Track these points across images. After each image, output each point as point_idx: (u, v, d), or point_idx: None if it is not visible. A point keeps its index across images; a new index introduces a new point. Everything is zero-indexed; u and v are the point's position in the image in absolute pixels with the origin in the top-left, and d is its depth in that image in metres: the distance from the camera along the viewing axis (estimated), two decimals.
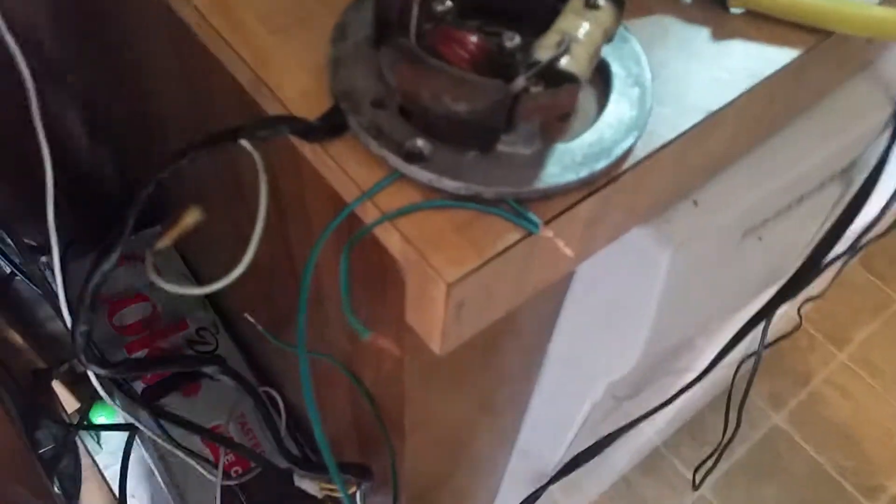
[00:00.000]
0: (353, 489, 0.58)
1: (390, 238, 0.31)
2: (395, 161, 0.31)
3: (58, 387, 1.12)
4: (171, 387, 0.95)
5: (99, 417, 1.13)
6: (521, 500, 0.74)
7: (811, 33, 0.39)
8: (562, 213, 0.32)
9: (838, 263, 0.74)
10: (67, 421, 1.07)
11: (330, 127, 0.32)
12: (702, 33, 0.39)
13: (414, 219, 0.31)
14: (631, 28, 0.38)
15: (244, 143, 0.32)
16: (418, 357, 0.40)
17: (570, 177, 0.32)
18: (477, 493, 0.78)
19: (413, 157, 0.31)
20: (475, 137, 0.31)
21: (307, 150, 0.34)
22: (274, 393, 0.90)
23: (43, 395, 1.08)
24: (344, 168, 0.32)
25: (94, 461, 1.11)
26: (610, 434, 0.64)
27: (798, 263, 0.51)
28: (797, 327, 1.22)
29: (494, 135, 0.31)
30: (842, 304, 1.61)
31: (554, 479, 0.68)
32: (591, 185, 0.33)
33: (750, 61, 0.38)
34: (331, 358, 0.51)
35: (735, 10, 0.40)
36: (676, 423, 1.43)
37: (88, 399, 1.12)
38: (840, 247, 0.64)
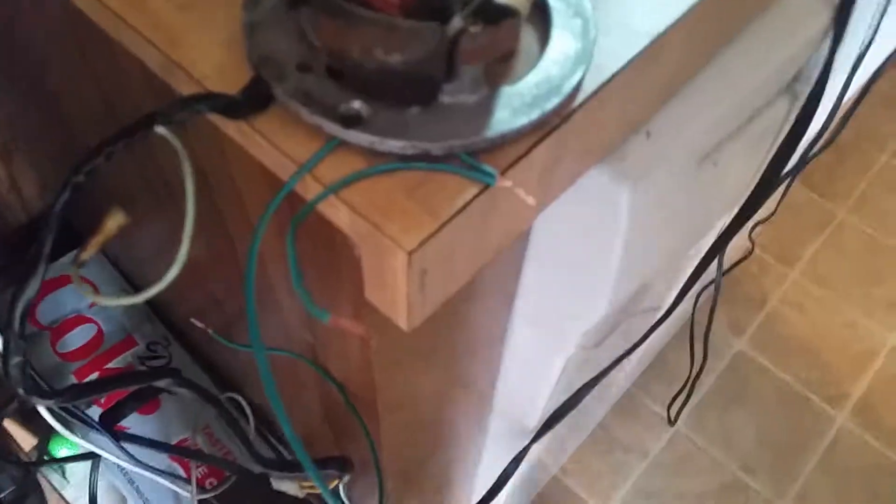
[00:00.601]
0: (334, 483, 0.56)
1: (337, 212, 0.29)
2: (331, 127, 0.28)
3: (10, 425, 1.06)
4: (129, 407, 0.91)
5: (61, 450, 1.09)
6: (506, 464, 0.73)
7: None
8: (518, 160, 0.30)
9: (786, 182, 0.74)
10: (25, 459, 1.02)
11: (254, 99, 0.29)
12: None
13: (360, 187, 0.28)
14: None
15: (161, 129, 0.29)
16: (383, 336, 0.38)
17: (522, 120, 0.29)
18: (460, 465, 0.76)
19: (350, 120, 0.29)
20: (415, 90, 0.29)
21: (232, 129, 0.31)
22: (238, 397, 0.87)
23: None
24: (275, 143, 0.29)
25: (60, 496, 1.06)
26: (585, 384, 0.63)
27: (752, 185, 0.50)
28: (749, 252, 1.23)
29: (435, 85, 0.29)
30: (787, 224, 1.64)
31: (536, 438, 0.67)
32: (544, 127, 0.30)
33: None
34: (291, 353, 0.48)
35: None
36: (643, 363, 1.44)
37: (45, 433, 1.07)
38: (788, 164, 0.64)
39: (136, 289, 0.98)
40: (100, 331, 0.98)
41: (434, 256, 0.29)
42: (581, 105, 0.31)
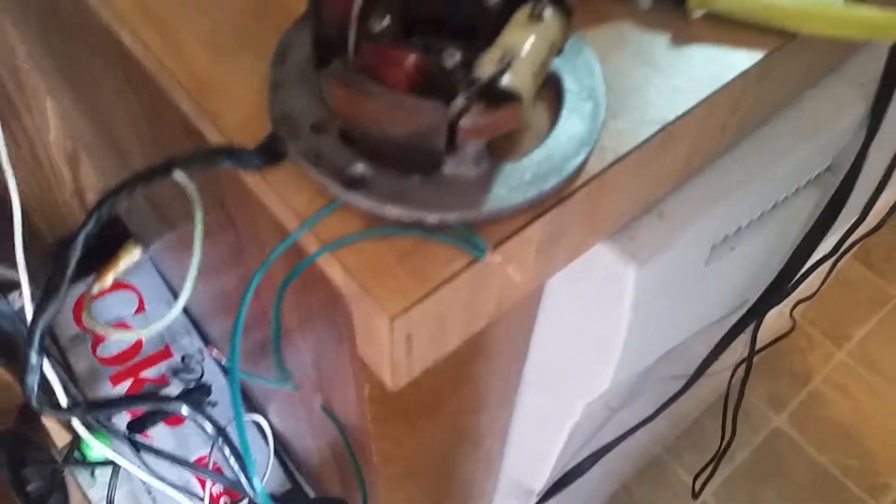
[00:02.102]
0: None
1: (333, 269, 0.30)
2: (336, 188, 0.30)
3: (48, 420, 1.10)
4: (157, 418, 0.93)
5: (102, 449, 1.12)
6: None
7: (775, 35, 0.38)
8: (510, 236, 0.30)
9: (826, 265, 0.72)
10: (55, 458, 1.05)
11: (268, 154, 0.31)
12: (661, 40, 0.38)
13: (356, 248, 0.29)
14: (586, 37, 0.37)
15: (179, 175, 0.30)
16: (380, 388, 0.39)
17: (518, 198, 0.30)
18: None
19: (354, 182, 0.30)
20: (417, 160, 0.30)
21: (249, 179, 0.32)
22: (260, 419, 0.89)
23: (31, 431, 1.06)
24: (284, 197, 0.30)
25: (84, 495, 1.09)
26: (596, 452, 0.62)
27: (775, 274, 0.50)
28: (791, 329, 1.20)
29: (436, 157, 0.30)
30: (839, 301, 1.60)
31: (543, 499, 0.67)
32: (540, 206, 0.31)
33: (710, 67, 0.36)
34: (295, 388, 0.49)
35: (696, 14, 0.39)
36: (676, 429, 1.41)
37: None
38: (824, 248, 0.63)
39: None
40: (139, 339, 1.01)
41: (420, 322, 0.30)
42: (581, 187, 0.32)
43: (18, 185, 0.49)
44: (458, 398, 0.49)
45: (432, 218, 0.30)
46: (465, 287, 0.30)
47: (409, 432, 0.47)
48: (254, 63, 0.35)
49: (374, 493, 0.49)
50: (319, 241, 0.29)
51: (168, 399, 0.42)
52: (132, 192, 0.31)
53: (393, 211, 0.30)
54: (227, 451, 0.45)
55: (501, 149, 0.32)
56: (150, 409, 0.78)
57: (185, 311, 1.00)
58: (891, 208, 0.74)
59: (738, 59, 0.37)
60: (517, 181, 0.31)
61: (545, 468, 0.61)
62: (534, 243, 0.32)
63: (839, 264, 0.91)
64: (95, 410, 0.42)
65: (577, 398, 0.49)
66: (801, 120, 0.45)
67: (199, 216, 0.29)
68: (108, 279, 0.28)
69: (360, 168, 0.30)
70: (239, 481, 0.46)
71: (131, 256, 0.28)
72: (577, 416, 0.52)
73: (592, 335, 0.44)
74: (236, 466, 0.46)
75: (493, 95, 0.28)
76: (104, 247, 1.00)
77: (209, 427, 0.44)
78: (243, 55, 0.36)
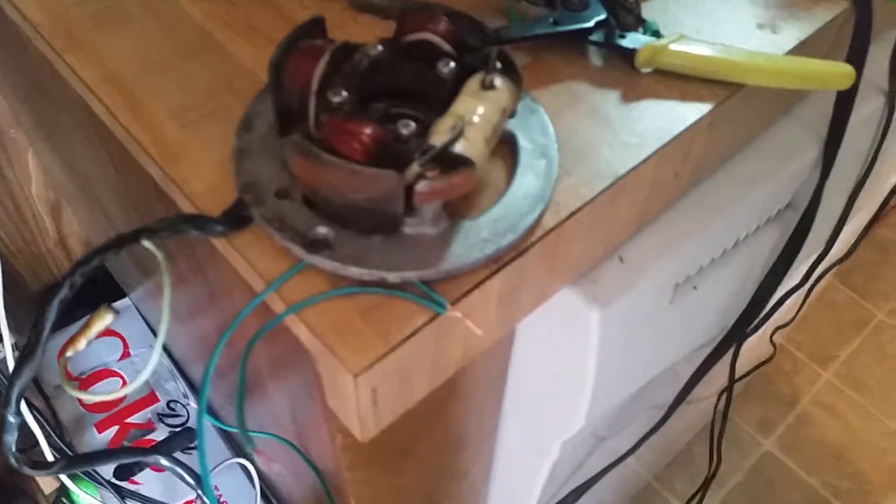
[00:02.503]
0: None
1: (298, 329, 0.31)
2: (299, 251, 0.31)
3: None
4: (143, 464, 0.93)
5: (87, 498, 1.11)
6: None
7: (723, 87, 0.40)
8: (470, 290, 0.32)
9: (801, 292, 0.74)
10: None
11: (234, 220, 0.32)
12: (612, 96, 0.39)
13: (320, 308, 0.31)
14: (540, 97, 0.39)
15: (147, 243, 0.32)
16: (353, 438, 0.40)
17: (476, 255, 0.32)
18: None
19: (317, 245, 0.31)
20: (377, 223, 0.31)
21: (218, 244, 0.34)
22: (245, 463, 0.89)
23: (19, 480, 1.06)
24: (249, 261, 0.32)
25: None
26: (578, 487, 0.63)
27: (742, 308, 0.51)
28: (773, 355, 1.22)
29: (395, 220, 0.31)
30: (823, 323, 1.62)
31: None
32: (498, 262, 0.32)
33: (659, 121, 0.38)
34: (275, 437, 0.50)
35: (645, 70, 0.40)
36: (667, 457, 1.42)
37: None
38: (794, 278, 0.64)
39: (164, 345, 1.02)
40: (124, 385, 1.01)
41: (384, 376, 0.31)
42: (537, 241, 0.33)
43: (1, 238, 0.50)
44: (435, 439, 0.50)
45: (393, 277, 0.31)
46: (427, 341, 0.31)
47: (387, 474, 0.48)
48: (221, 132, 0.37)
49: None
50: (284, 302, 0.31)
51: (146, 451, 0.43)
52: (103, 260, 0.32)
53: (355, 271, 0.31)
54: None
55: (459, 207, 0.34)
56: (124, 461, 0.78)
57: (170, 355, 1.01)
58: (858, 236, 0.76)
59: (687, 112, 0.39)
60: (475, 239, 0.32)
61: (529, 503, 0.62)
62: (494, 296, 0.33)
63: (816, 289, 0.93)
64: (74, 467, 0.42)
65: (554, 437, 0.50)
66: (755, 162, 0.47)
67: (166, 281, 0.30)
68: (81, 343, 0.29)
69: (322, 231, 0.31)
70: None
71: (103, 321, 0.29)
72: (555, 454, 0.52)
73: (563, 376, 0.45)
74: None
75: (447, 161, 0.30)
76: (89, 292, 1.01)
77: (187, 477, 0.45)
78: (211, 124, 0.37)
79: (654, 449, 1.19)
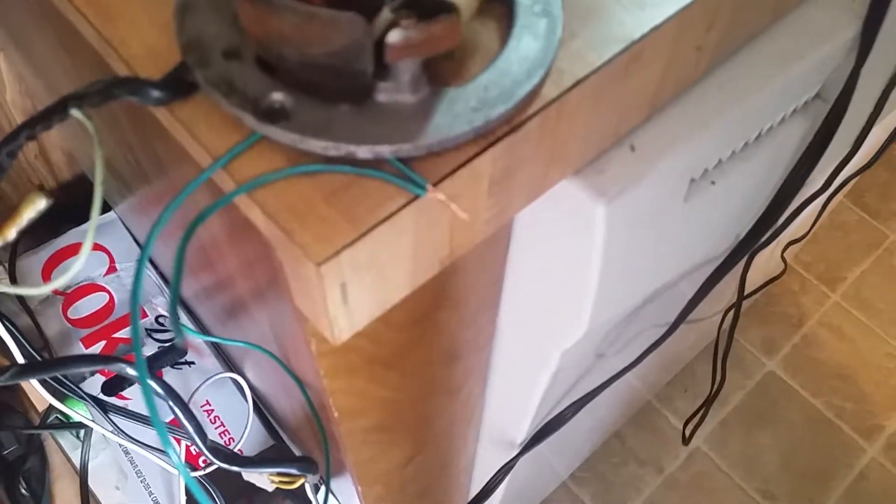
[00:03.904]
0: (299, 482, 0.54)
1: (253, 212, 0.26)
2: (251, 120, 0.26)
3: (27, 385, 1.08)
4: (130, 379, 0.91)
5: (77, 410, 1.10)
6: (496, 469, 0.70)
7: None
8: (456, 169, 0.27)
9: (819, 201, 0.69)
10: (30, 423, 1.03)
11: (176, 86, 0.27)
12: None
13: (277, 188, 0.26)
14: None
15: (75, 112, 0.27)
16: (328, 344, 0.36)
17: (462, 127, 0.27)
18: (448, 472, 0.74)
19: (272, 114, 0.26)
20: (344, 87, 0.26)
21: (160, 114, 0.29)
22: (238, 378, 0.86)
23: (8, 397, 1.04)
24: (193, 133, 0.27)
25: (67, 458, 1.08)
26: (576, 402, 0.60)
27: (761, 211, 0.46)
28: (783, 272, 1.18)
29: (365, 81, 0.26)
30: (833, 243, 1.57)
31: (522, 452, 0.64)
32: (488, 136, 0.28)
33: None
34: (252, 345, 0.46)
35: None
36: (668, 375, 1.40)
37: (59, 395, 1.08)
38: (815, 184, 0.59)
39: (153, 261, 0.98)
40: (111, 300, 0.99)
41: (355, 269, 0.26)
42: (535, 114, 0.28)
43: None
44: (424, 350, 0.46)
45: (364, 151, 0.26)
46: (405, 228, 0.27)
47: (372, 385, 0.44)
48: None
49: (341, 448, 0.47)
50: (235, 180, 0.26)
51: (107, 359, 0.39)
52: (31, 135, 0.28)
53: (318, 145, 0.26)
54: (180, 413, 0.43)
55: (443, 73, 0.28)
56: (85, 369, 0.75)
57: (158, 270, 0.97)
58: (884, 143, 0.71)
59: None
60: (461, 108, 0.27)
61: (526, 418, 0.59)
62: (485, 177, 0.29)
63: (831, 204, 0.88)
64: (29, 374, 0.39)
65: (554, 346, 0.46)
66: (785, 42, 0.42)
67: (98, 154, 0.26)
68: (11, 232, 0.25)
69: (278, 97, 0.26)
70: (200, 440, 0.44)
71: (34, 206, 0.25)
72: (553, 366, 0.49)
73: (565, 277, 0.40)
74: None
75: (426, 7, 0.25)
76: (74, 211, 0.97)
77: (159, 389, 0.42)
78: None
79: (655, 367, 1.16)
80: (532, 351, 0.51)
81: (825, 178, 0.59)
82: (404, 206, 0.26)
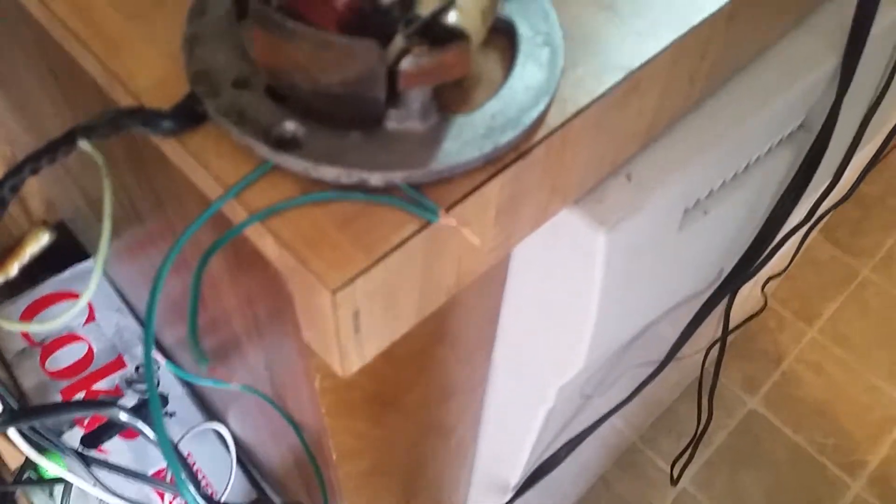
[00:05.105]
0: None
1: (265, 242, 0.26)
2: (263, 149, 0.26)
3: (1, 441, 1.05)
4: (112, 432, 0.88)
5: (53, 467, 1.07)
6: None
7: None
8: (466, 195, 0.27)
9: (798, 235, 0.70)
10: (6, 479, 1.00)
11: (186, 116, 0.27)
12: None
13: (289, 217, 0.26)
14: None
15: (83, 144, 0.27)
16: (332, 379, 0.35)
17: (472, 153, 0.27)
18: None
19: (284, 143, 0.26)
20: (355, 114, 0.26)
21: (167, 146, 0.29)
22: (220, 428, 0.85)
23: None
24: (204, 163, 0.27)
25: None
26: (571, 440, 0.59)
27: (751, 238, 0.47)
28: (763, 307, 1.19)
29: (377, 109, 0.26)
30: (807, 279, 1.60)
31: (519, 492, 0.64)
32: (497, 162, 0.28)
33: (675, 10, 0.33)
34: (247, 388, 0.45)
35: None
36: (650, 416, 1.39)
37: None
38: (797, 216, 0.61)
39: (130, 307, 0.97)
40: (90, 350, 0.96)
41: (367, 296, 0.26)
42: (541, 140, 0.29)
43: None
44: (422, 387, 0.46)
45: (376, 178, 0.26)
46: (417, 255, 0.27)
47: (370, 425, 0.43)
48: (172, 22, 0.31)
49: (337, 493, 0.46)
50: (247, 210, 0.26)
51: (98, 404, 0.38)
52: (36, 168, 0.27)
53: (330, 172, 0.26)
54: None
55: (451, 102, 0.29)
56: (78, 415, 0.73)
57: (138, 318, 0.96)
58: (860, 175, 0.73)
59: (706, 1, 0.34)
60: (470, 135, 0.28)
61: (520, 459, 0.58)
62: (493, 204, 0.29)
63: (808, 239, 0.89)
64: (19, 420, 0.38)
65: (551, 381, 0.46)
66: (770, 74, 0.43)
67: (107, 185, 0.25)
68: (13, 267, 0.25)
69: (290, 126, 0.26)
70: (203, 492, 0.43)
71: (38, 242, 0.25)
72: (551, 401, 0.48)
73: (564, 309, 0.40)
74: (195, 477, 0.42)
75: (438, 35, 0.25)
76: (53, 257, 0.95)
77: (149, 432, 0.41)
78: (159, 13, 0.32)
79: (639, 408, 1.16)
80: (527, 387, 0.51)
81: (807, 209, 0.61)
82: (416, 232, 0.26)
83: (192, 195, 0.33)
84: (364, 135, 0.27)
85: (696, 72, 0.36)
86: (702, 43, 0.34)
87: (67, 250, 0.96)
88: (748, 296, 1.10)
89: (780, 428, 1.41)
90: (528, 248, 0.40)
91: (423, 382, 0.46)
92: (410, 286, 0.28)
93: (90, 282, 0.26)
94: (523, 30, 0.31)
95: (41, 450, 0.81)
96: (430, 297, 0.30)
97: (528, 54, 0.30)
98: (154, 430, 0.22)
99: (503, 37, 0.31)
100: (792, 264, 1.19)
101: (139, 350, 0.95)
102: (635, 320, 0.46)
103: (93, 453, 0.85)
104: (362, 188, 0.26)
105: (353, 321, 0.27)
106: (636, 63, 0.31)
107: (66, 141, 0.27)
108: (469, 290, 0.42)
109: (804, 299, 1.57)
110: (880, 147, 0.69)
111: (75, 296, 0.98)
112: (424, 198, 0.27)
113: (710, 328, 0.98)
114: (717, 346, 1.02)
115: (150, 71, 0.30)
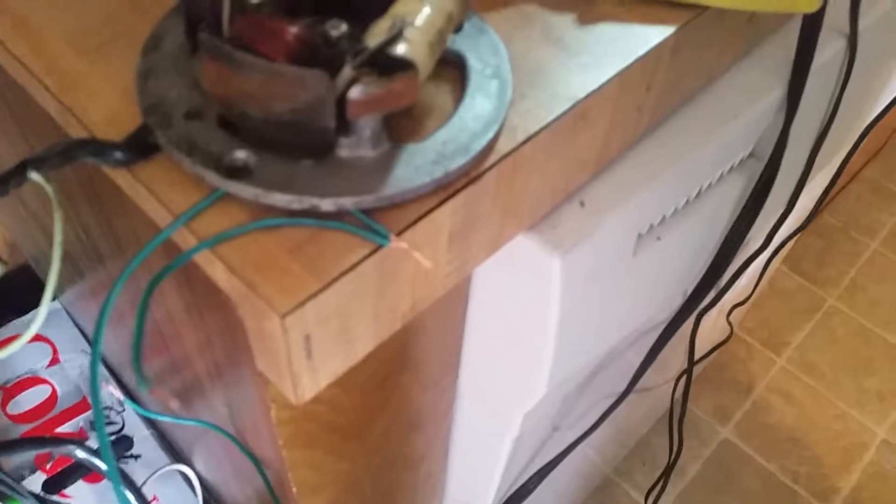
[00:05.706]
0: None
1: (214, 268, 0.26)
2: (214, 177, 0.27)
3: None
4: (75, 475, 0.87)
5: None
6: None
7: (686, 10, 0.37)
8: (417, 220, 0.28)
9: (760, 262, 0.72)
10: None
11: (137, 147, 0.27)
12: (566, 19, 0.36)
13: (239, 243, 0.26)
14: (491, 20, 0.35)
15: (34, 175, 0.27)
16: (288, 410, 0.35)
17: (423, 179, 0.28)
18: None
19: (235, 171, 0.27)
20: (307, 143, 0.27)
21: (119, 177, 0.29)
22: (186, 470, 0.83)
23: None
24: (155, 193, 0.27)
25: None
26: (540, 470, 0.59)
27: (707, 265, 0.48)
28: (730, 336, 1.20)
29: (327, 137, 0.27)
30: (775, 309, 1.62)
31: None
32: (449, 187, 0.28)
33: (620, 44, 0.35)
34: (204, 423, 0.45)
35: None
36: (624, 448, 1.39)
37: None
38: (755, 244, 0.62)
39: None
40: (53, 392, 0.95)
41: (319, 321, 0.26)
42: (492, 166, 0.29)
43: None
44: (386, 417, 0.46)
45: (327, 204, 0.27)
46: (370, 280, 0.27)
47: (332, 458, 0.43)
48: (126, 58, 0.32)
49: None
50: (197, 237, 0.26)
51: (57, 440, 0.37)
52: None
53: (281, 199, 0.26)
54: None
55: (404, 131, 0.29)
56: (37, 451, 0.72)
57: (104, 360, 0.94)
58: (816, 203, 0.75)
59: (650, 34, 0.35)
60: (421, 161, 0.28)
61: (489, 490, 0.58)
62: (445, 229, 0.29)
63: (770, 267, 0.91)
64: None
65: (515, 409, 0.46)
66: (717, 104, 0.44)
67: (58, 220, 0.25)
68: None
69: (241, 155, 0.27)
70: None
71: None
72: (516, 429, 0.48)
73: (523, 334, 0.41)
74: None
75: (386, 64, 0.26)
76: (17, 300, 0.94)
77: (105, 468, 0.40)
78: (114, 49, 0.32)
79: (611, 440, 1.16)
80: (493, 415, 0.51)
81: (764, 236, 0.62)
82: (367, 256, 0.26)
83: (148, 232, 0.33)
84: (316, 162, 0.27)
85: (644, 102, 0.37)
86: (647, 74, 0.36)
87: (32, 292, 0.95)
88: (714, 325, 1.11)
89: (752, 456, 1.42)
90: (487, 272, 0.41)
91: (386, 411, 0.46)
92: (364, 311, 0.28)
93: (38, 312, 0.26)
94: (473, 62, 0.32)
95: (1, 496, 0.79)
96: (385, 322, 0.30)
97: (478, 86, 0.31)
98: (102, 458, 0.22)
99: (454, 69, 0.32)
100: (759, 294, 1.21)
101: (104, 392, 0.93)
102: (596, 344, 0.47)
103: (55, 498, 0.83)
104: (313, 214, 0.27)
105: (304, 346, 0.27)
106: (582, 93, 0.32)
107: (17, 172, 0.27)
108: (430, 315, 0.42)
109: (773, 329, 1.59)
110: (834, 176, 0.71)
111: (39, 338, 0.96)
112: (375, 223, 0.27)
113: (679, 358, 0.99)
114: (685, 376, 1.03)
115: (104, 105, 0.30)
